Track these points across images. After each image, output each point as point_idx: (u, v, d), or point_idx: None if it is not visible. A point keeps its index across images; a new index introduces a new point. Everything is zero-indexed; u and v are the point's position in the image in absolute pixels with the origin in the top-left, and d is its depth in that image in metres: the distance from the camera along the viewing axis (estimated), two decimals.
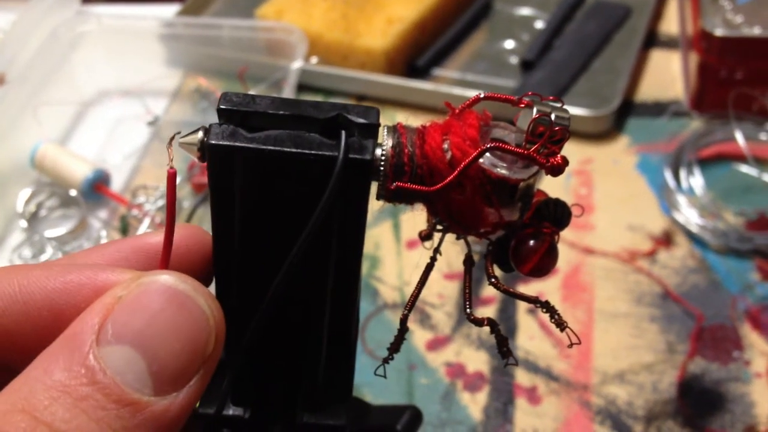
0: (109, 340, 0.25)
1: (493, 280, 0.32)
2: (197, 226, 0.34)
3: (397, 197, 0.31)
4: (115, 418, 0.24)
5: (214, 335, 0.27)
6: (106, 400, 0.25)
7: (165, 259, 0.31)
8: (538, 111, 0.29)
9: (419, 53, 1.00)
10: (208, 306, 0.27)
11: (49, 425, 0.24)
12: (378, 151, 0.30)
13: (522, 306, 0.72)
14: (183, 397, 0.26)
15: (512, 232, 0.32)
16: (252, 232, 0.31)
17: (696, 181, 0.79)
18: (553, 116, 0.29)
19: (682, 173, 0.80)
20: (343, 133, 0.30)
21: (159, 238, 0.33)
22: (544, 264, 0.32)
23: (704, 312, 0.70)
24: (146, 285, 0.27)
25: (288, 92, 0.88)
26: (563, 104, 0.30)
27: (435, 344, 0.70)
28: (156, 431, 0.25)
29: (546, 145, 0.29)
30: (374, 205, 0.32)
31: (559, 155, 0.29)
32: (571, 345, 0.32)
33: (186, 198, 0.84)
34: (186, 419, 0.27)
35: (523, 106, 0.30)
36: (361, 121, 0.30)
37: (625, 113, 0.91)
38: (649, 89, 0.94)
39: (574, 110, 0.87)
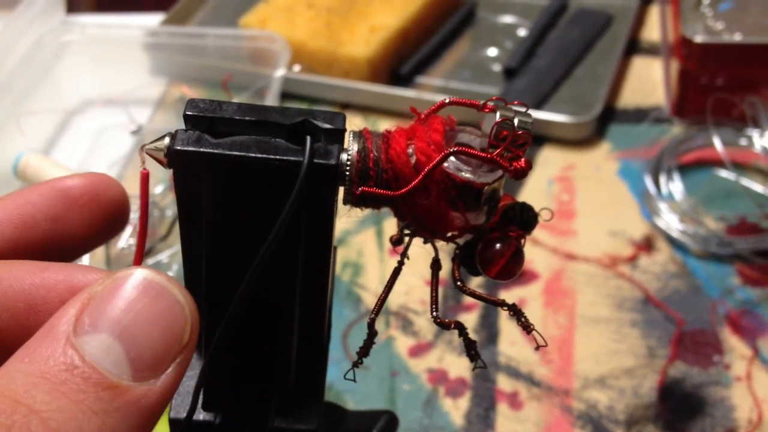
0: (86, 329, 0.26)
1: (458, 283, 0.33)
2: (106, 174, 0.35)
3: (363, 202, 0.31)
4: (95, 401, 0.25)
5: (189, 324, 0.28)
6: (86, 384, 0.25)
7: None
8: (501, 115, 0.29)
9: (403, 61, 1.00)
10: (183, 296, 0.28)
11: (29, 407, 0.24)
12: (343, 156, 0.30)
13: (504, 312, 0.72)
14: (161, 384, 0.26)
15: (479, 236, 0.32)
16: (219, 238, 0.31)
17: (676, 186, 0.80)
18: (516, 120, 0.29)
19: (663, 179, 0.81)
20: (309, 138, 0.30)
21: (75, 180, 0.34)
22: (510, 267, 0.32)
23: (685, 317, 0.70)
24: (121, 278, 0.27)
25: (271, 100, 0.88)
26: (527, 109, 0.30)
27: (417, 350, 0.70)
28: (135, 416, 0.26)
29: (510, 149, 0.29)
30: (345, 211, 0.32)
31: (522, 159, 0.30)
32: (537, 347, 0.32)
33: (170, 206, 0.84)
34: (164, 409, 0.27)
35: (487, 111, 0.30)
36: (327, 126, 0.30)
37: (607, 120, 0.91)
38: (630, 96, 0.95)
39: (556, 117, 0.87)
